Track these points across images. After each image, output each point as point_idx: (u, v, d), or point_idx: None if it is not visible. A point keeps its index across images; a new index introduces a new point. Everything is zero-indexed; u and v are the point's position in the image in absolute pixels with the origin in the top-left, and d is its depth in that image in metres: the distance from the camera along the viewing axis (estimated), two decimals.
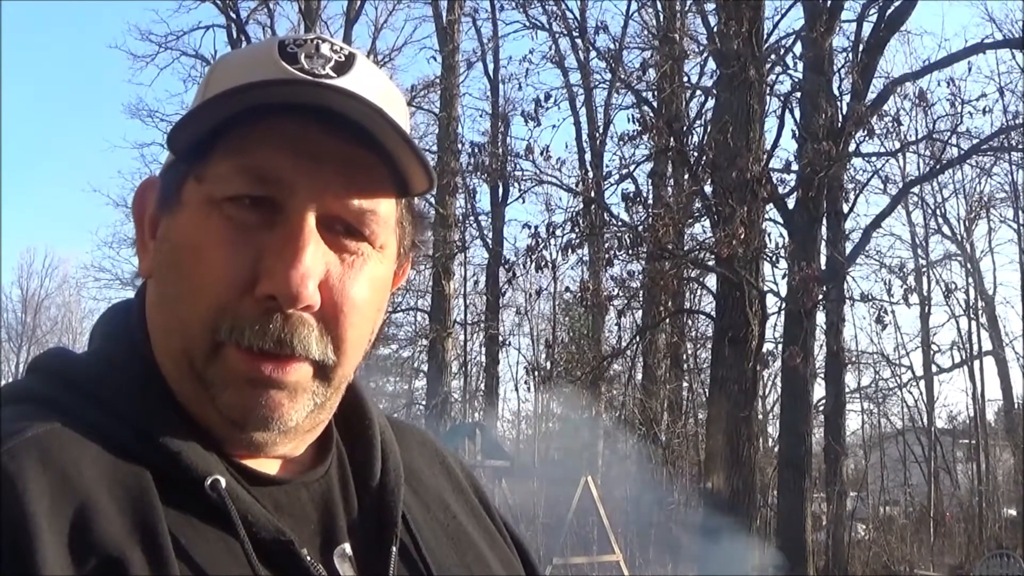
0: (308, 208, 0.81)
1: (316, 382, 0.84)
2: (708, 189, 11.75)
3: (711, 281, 12.99)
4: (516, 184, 16.37)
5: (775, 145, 12.08)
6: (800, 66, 12.10)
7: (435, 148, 18.83)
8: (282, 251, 0.80)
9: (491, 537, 1.01)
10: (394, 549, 0.87)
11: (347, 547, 0.86)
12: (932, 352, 22.48)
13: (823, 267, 11.84)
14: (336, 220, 0.83)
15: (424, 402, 21.83)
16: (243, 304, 0.80)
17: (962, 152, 12.65)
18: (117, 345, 0.87)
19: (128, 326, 0.88)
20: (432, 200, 18.97)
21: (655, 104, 13.18)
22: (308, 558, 0.81)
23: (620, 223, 11.81)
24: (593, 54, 14.65)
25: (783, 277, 11.81)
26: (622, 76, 13.31)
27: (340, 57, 0.84)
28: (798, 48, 12.24)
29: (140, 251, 0.90)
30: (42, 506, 0.72)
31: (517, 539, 1.06)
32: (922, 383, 22.72)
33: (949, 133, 12.31)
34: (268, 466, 0.86)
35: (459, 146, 14.48)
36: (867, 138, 11.85)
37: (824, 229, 12.39)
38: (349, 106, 0.80)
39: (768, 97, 12.24)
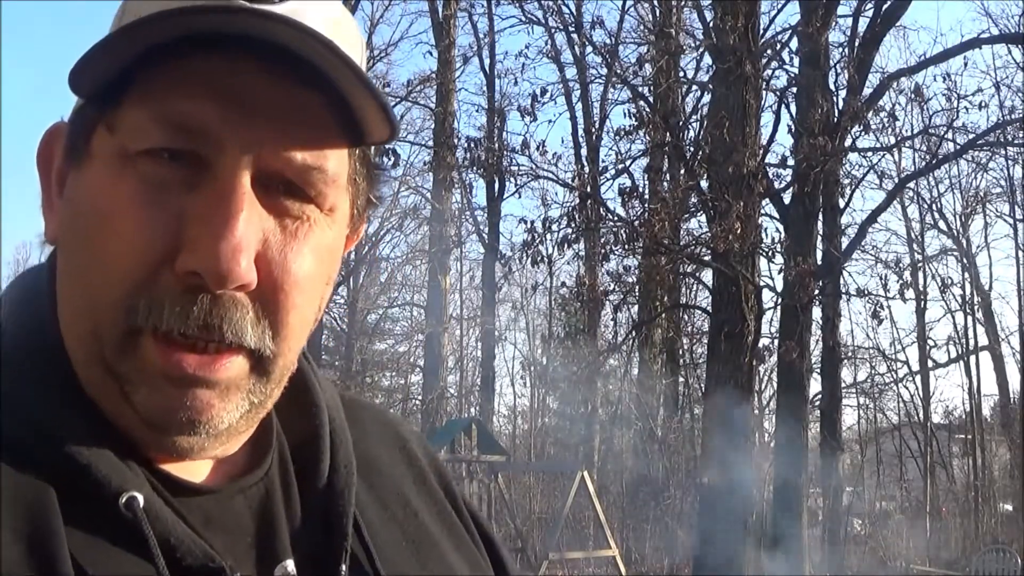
0: (240, 165, 0.67)
1: (252, 378, 0.71)
2: (704, 184, 11.75)
3: (707, 276, 12.98)
4: (512, 179, 16.45)
5: (771, 140, 12.11)
6: (796, 61, 12.12)
7: (431, 143, 18.82)
8: (209, 218, 0.66)
9: (456, 536, 0.90)
10: (344, 567, 0.75)
11: (290, 565, 0.74)
12: (928, 347, 22.51)
13: (819, 262, 11.86)
14: (275, 177, 0.69)
15: (420, 397, 21.87)
16: (161, 279, 0.67)
17: (958, 147, 12.65)
18: (20, 323, 0.73)
19: (35, 300, 0.75)
20: (428, 195, 18.99)
21: (651, 99, 13.16)
22: None
23: (616, 218, 11.80)
24: (589, 49, 14.63)
25: (779, 272, 11.85)
26: (618, 71, 13.30)
27: None
28: (794, 43, 12.26)
29: (46, 211, 0.75)
30: None
31: (487, 534, 0.94)
32: (918, 378, 22.73)
33: (945, 128, 12.32)
34: (196, 470, 0.74)
35: (455, 141, 14.44)
36: (863, 133, 11.87)
37: (820, 224, 12.40)
38: (290, 36, 0.66)
39: (764, 92, 12.24)
